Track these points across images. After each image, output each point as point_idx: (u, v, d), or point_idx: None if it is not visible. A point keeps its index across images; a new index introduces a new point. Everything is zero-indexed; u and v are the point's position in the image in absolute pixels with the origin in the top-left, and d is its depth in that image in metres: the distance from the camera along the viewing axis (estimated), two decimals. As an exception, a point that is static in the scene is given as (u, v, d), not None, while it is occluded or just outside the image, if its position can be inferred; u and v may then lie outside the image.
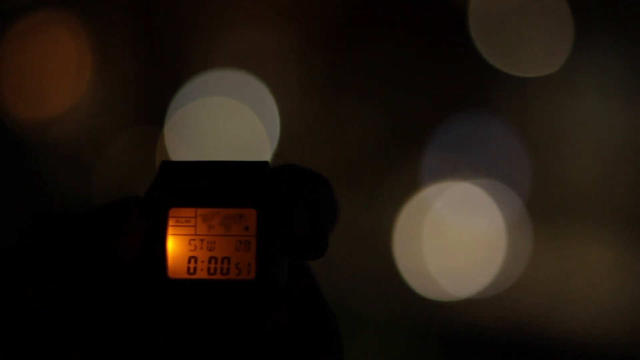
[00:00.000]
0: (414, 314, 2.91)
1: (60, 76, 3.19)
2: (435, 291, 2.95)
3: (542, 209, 3.03)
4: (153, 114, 3.18)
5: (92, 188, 3.09)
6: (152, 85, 3.25)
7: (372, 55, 3.17)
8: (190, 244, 0.50)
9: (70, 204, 2.81)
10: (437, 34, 3.15)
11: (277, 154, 3.07)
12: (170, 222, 0.50)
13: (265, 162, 0.52)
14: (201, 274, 0.50)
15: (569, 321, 2.85)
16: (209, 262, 0.50)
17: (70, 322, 0.47)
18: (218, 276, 0.50)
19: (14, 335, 0.47)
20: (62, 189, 3.07)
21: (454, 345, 2.85)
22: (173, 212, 0.50)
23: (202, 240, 0.50)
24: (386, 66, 3.15)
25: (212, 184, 0.51)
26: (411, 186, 3.09)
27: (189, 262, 0.50)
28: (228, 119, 3.18)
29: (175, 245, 0.50)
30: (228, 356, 0.48)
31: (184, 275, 0.50)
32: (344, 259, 2.92)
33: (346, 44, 3.22)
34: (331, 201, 0.53)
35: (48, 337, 0.47)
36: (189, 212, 0.51)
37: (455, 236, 3.04)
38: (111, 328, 0.48)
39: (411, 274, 2.99)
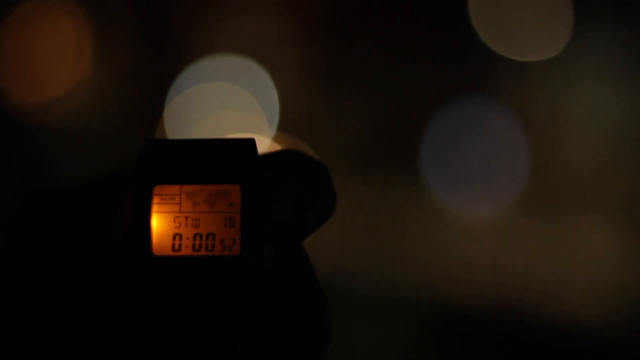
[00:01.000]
0: (413, 300, 2.92)
1: (59, 61, 3.19)
2: (435, 278, 2.95)
3: (541, 194, 3.03)
4: (152, 99, 3.18)
5: (91, 173, 3.08)
6: (151, 70, 3.25)
7: (371, 39, 3.17)
8: (175, 221, 0.50)
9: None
10: (436, 17, 3.15)
11: (277, 139, 3.07)
12: (155, 199, 0.50)
13: (252, 139, 0.52)
14: (186, 251, 0.50)
15: (568, 309, 2.85)
16: (194, 238, 0.50)
17: (58, 300, 0.47)
18: (203, 252, 0.50)
19: (4, 310, 0.47)
20: (61, 174, 3.08)
21: (452, 332, 2.85)
22: (157, 189, 0.50)
23: (186, 217, 0.50)
24: (385, 51, 3.15)
25: (197, 161, 0.51)
26: (410, 172, 3.09)
27: (174, 239, 0.50)
28: (228, 104, 3.18)
29: (159, 223, 0.50)
30: (213, 332, 0.49)
31: (169, 252, 0.50)
32: (342, 244, 2.92)
33: (345, 29, 3.21)
34: (327, 189, 0.53)
35: (37, 314, 0.47)
36: (173, 189, 0.51)
37: (454, 222, 3.04)
38: (98, 306, 0.48)
39: (411, 262, 3.00)
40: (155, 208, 0.49)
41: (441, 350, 2.81)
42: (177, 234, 0.49)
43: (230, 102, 3.18)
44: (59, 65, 3.19)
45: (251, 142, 0.51)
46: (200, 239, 0.49)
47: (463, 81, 3.09)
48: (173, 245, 0.49)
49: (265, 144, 3.00)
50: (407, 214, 3.07)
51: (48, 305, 0.46)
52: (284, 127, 3.13)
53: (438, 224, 3.04)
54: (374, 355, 2.72)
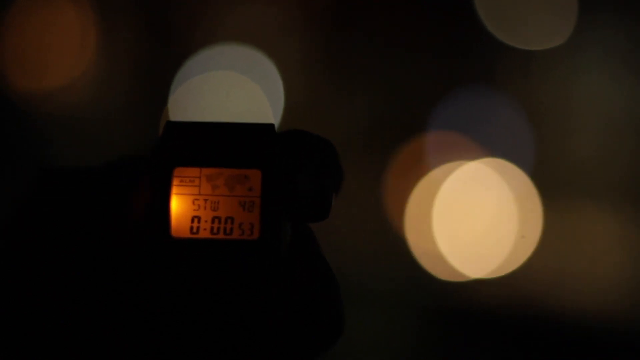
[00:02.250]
0: (420, 290, 2.92)
1: (63, 49, 3.19)
2: (441, 267, 2.95)
3: (547, 183, 3.03)
4: (157, 87, 3.18)
5: (95, 161, 3.08)
6: (155, 59, 3.25)
7: (375, 29, 3.16)
8: (194, 203, 0.50)
9: (72, 176, 2.80)
10: (441, 7, 3.15)
11: (281, 127, 3.07)
12: (175, 181, 0.50)
13: (271, 125, 0.52)
14: (204, 234, 0.50)
15: (574, 297, 2.85)
16: (212, 222, 0.50)
17: (76, 282, 0.47)
18: (221, 236, 0.50)
19: (16, 292, 0.47)
20: (65, 162, 3.08)
21: (459, 322, 2.86)
22: (177, 171, 0.50)
23: (205, 200, 0.50)
24: (389, 41, 3.15)
25: (217, 145, 0.51)
26: (414, 161, 3.09)
27: (192, 221, 0.50)
28: (232, 92, 3.18)
29: (179, 205, 0.50)
30: (229, 315, 0.49)
31: (187, 234, 0.50)
32: (343, 236, 2.92)
33: (349, 18, 3.21)
34: (336, 165, 0.53)
35: (52, 297, 0.47)
36: (193, 171, 0.51)
37: (459, 210, 3.04)
38: (115, 286, 0.48)
39: (416, 250, 3.00)
40: (174, 190, 0.49)
41: (444, 343, 2.82)
42: (196, 217, 0.49)
43: (235, 91, 3.18)
44: (62, 54, 3.19)
45: (271, 127, 0.51)
46: (219, 222, 0.49)
47: (468, 71, 3.09)
48: (191, 228, 0.49)
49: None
50: (411, 203, 3.07)
51: (65, 284, 0.46)
52: (288, 115, 3.13)
53: (442, 213, 3.04)
54: (376, 348, 2.72)
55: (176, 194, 0.49)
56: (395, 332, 2.81)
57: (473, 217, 3.03)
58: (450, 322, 2.86)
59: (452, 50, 3.11)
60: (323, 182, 0.50)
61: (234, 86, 3.18)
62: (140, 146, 3.10)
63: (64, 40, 3.18)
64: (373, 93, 3.16)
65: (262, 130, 0.51)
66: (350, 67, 3.19)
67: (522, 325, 2.81)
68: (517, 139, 3.03)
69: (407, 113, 3.13)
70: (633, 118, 2.99)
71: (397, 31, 3.14)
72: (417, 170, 3.08)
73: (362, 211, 3.00)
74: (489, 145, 3.04)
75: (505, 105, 3.06)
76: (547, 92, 3.05)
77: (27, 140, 3.10)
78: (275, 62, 3.16)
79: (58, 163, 3.07)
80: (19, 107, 3.12)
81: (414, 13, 3.15)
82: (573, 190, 3.00)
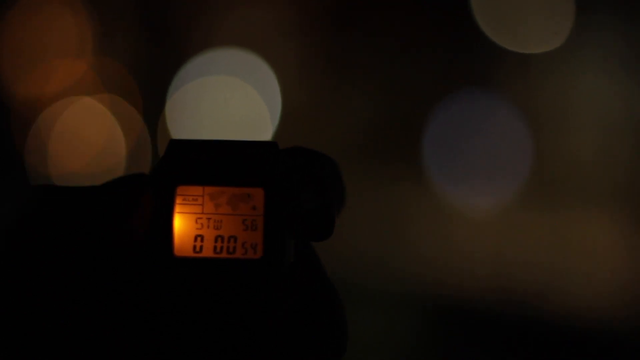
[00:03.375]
0: (416, 292, 2.92)
1: (61, 54, 3.18)
2: (438, 270, 2.95)
3: (544, 186, 3.03)
4: (154, 92, 3.18)
5: (92, 165, 3.09)
6: (153, 63, 3.24)
7: (372, 33, 3.16)
8: (197, 222, 0.50)
9: (68, 180, 2.81)
10: (438, 10, 3.15)
11: (278, 131, 3.07)
12: (178, 200, 0.50)
13: (274, 143, 0.52)
14: (207, 253, 0.50)
15: (569, 300, 2.86)
16: (215, 240, 0.50)
17: (76, 299, 0.47)
18: (224, 255, 0.49)
19: (18, 306, 0.47)
20: (62, 166, 3.08)
21: (455, 323, 2.86)
22: (180, 190, 0.50)
23: (208, 218, 0.50)
24: (386, 44, 3.15)
25: (220, 163, 0.51)
26: (413, 165, 3.09)
27: (195, 240, 0.50)
28: (229, 96, 3.18)
29: (181, 224, 0.50)
30: (232, 334, 0.49)
31: (190, 253, 0.50)
32: (345, 237, 2.93)
33: (347, 21, 3.21)
34: (339, 183, 0.53)
35: (53, 313, 0.47)
36: (196, 190, 0.50)
37: (457, 215, 3.04)
38: (116, 305, 0.48)
39: (414, 254, 3.00)
40: (177, 208, 0.49)
41: (444, 340, 2.82)
42: (199, 235, 0.49)
43: (233, 96, 3.18)
44: (60, 58, 3.19)
45: (274, 146, 0.51)
46: (222, 241, 0.49)
47: (465, 74, 3.09)
48: (194, 247, 0.49)
49: (267, 136, 3.00)
50: (410, 206, 3.07)
51: (59, 305, 0.46)
52: (286, 119, 3.13)
53: (441, 217, 3.04)
54: (377, 345, 2.72)
55: (179, 212, 0.49)
56: (394, 330, 2.81)
57: (472, 219, 3.03)
58: (449, 322, 2.87)
59: (450, 53, 3.11)
60: (326, 200, 0.50)
61: (231, 90, 3.18)
62: (137, 151, 3.10)
63: (61, 44, 3.18)
64: (371, 96, 3.16)
65: (264, 148, 0.51)
66: (348, 71, 3.19)
67: (520, 324, 2.82)
68: (515, 141, 3.04)
69: (405, 116, 3.13)
70: (631, 119, 2.99)
71: (395, 35, 3.14)
72: (414, 172, 3.09)
73: (361, 214, 3.00)
74: (486, 147, 3.04)
75: (504, 108, 3.06)
76: (545, 94, 3.05)
77: (25, 144, 3.10)
78: (272, 66, 3.16)
79: (55, 167, 3.08)
80: (15, 112, 3.12)
81: (412, 17, 3.15)
82: (570, 192, 3.00)
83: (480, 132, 3.06)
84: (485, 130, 3.06)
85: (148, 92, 3.20)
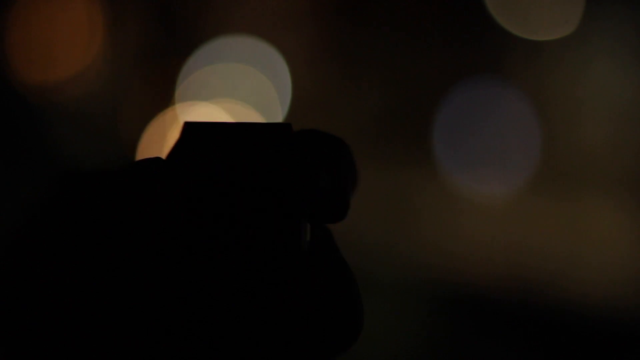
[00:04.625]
0: (425, 279, 2.92)
1: (71, 40, 3.19)
2: (447, 258, 2.96)
3: (554, 173, 3.02)
4: (165, 78, 3.18)
5: (103, 151, 3.09)
6: (163, 50, 3.25)
7: (384, 20, 3.16)
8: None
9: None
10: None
11: (288, 119, 3.07)
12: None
13: (288, 124, 0.52)
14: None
15: (580, 288, 2.85)
16: None
17: (99, 283, 0.48)
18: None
19: (46, 285, 0.47)
20: (72, 152, 3.08)
21: (464, 311, 2.86)
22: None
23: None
24: (397, 31, 3.14)
25: (235, 145, 0.51)
26: (423, 152, 3.09)
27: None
28: (240, 84, 3.18)
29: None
30: (248, 315, 0.49)
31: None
32: (354, 224, 2.93)
33: (357, 9, 3.21)
34: (352, 165, 0.53)
35: (61, 297, 0.48)
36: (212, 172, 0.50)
37: (467, 202, 3.04)
38: (138, 288, 0.48)
39: (423, 241, 3.00)
40: None
41: (453, 328, 2.82)
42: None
43: (243, 83, 3.18)
44: (71, 46, 3.19)
45: (288, 127, 0.51)
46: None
47: (475, 61, 3.09)
48: None
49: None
50: (420, 194, 3.07)
51: (71, 292, 0.47)
52: (296, 106, 3.13)
53: (451, 204, 3.04)
54: (386, 333, 2.73)
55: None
56: (403, 318, 2.81)
57: (482, 206, 3.03)
58: (458, 309, 2.87)
59: (461, 40, 3.11)
60: (341, 182, 0.50)
61: (241, 78, 3.18)
62: (148, 138, 3.10)
63: (72, 31, 3.18)
64: (380, 84, 3.15)
65: (279, 130, 0.51)
66: (358, 58, 3.19)
67: (531, 312, 2.82)
68: (525, 129, 3.03)
69: (415, 103, 3.13)
70: (641, 107, 2.99)
71: (405, 22, 3.14)
72: (424, 159, 3.08)
73: (371, 201, 3.00)
74: (497, 134, 3.04)
75: (514, 95, 3.06)
76: (555, 81, 3.04)
77: (36, 133, 3.10)
78: (283, 54, 3.16)
79: (66, 154, 3.08)
80: (26, 99, 3.12)
81: (423, 4, 3.15)
82: (581, 180, 3.00)
83: (490, 119, 3.06)
84: (495, 118, 3.06)
85: (158, 78, 3.20)
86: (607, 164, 2.98)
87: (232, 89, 3.18)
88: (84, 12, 3.18)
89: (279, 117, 3.10)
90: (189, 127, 0.52)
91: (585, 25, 2.98)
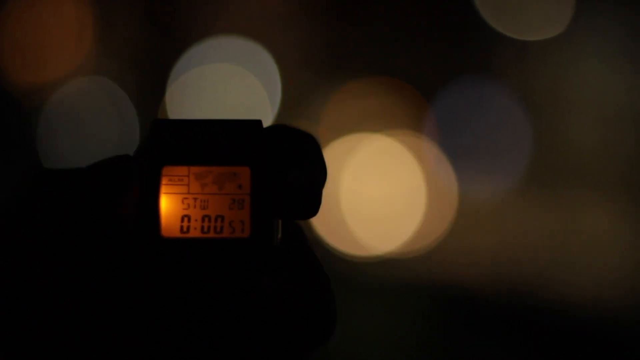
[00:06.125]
0: (417, 281, 2.92)
1: (61, 41, 3.18)
2: (438, 259, 2.96)
3: (543, 173, 3.03)
4: (155, 80, 3.17)
5: (92, 152, 3.09)
6: (154, 51, 3.24)
7: (373, 20, 3.16)
8: (183, 202, 0.50)
9: (61, 175, 2.79)
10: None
11: (279, 119, 3.07)
12: (163, 180, 0.50)
13: (258, 121, 0.52)
14: (194, 233, 0.49)
15: (570, 289, 2.86)
16: (202, 220, 0.50)
17: (67, 280, 0.47)
18: (211, 235, 0.49)
19: (14, 285, 0.47)
20: (61, 153, 3.08)
21: (456, 312, 2.86)
22: (166, 170, 0.50)
23: (195, 198, 0.50)
24: (386, 32, 3.14)
25: (205, 142, 0.50)
26: (412, 152, 3.09)
27: (182, 220, 0.50)
28: (230, 85, 3.18)
29: (168, 204, 0.50)
30: (221, 314, 0.49)
31: (177, 234, 0.49)
32: (345, 225, 2.92)
33: (347, 9, 3.21)
34: (321, 160, 0.52)
35: (45, 292, 0.47)
36: (181, 170, 0.50)
37: (457, 202, 3.04)
38: (105, 286, 0.48)
39: (415, 243, 3.00)
40: (163, 189, 0.49)
41: (445, 329, 2.82)
42: (186, 216, 0.49)
43: (233, 83, 3.18)
44: (61, 45, 3.19)
45: (258, 124, 0.51)
46: (209, 220, 0.49)
47: (465, 61, 3.09)
48: (181, 227, 0.49)
49: (268, 123, 2.99)
50: (412, 194, 3.07)
51: (57, 283, 0.47)
52: (286, 107, 3.13)
53: (441, 206, 3.04)
54: (378, 334, 2.73)
55: (165, 193, 0.49)
56: (394, 319, 2.81)
57: (472, 207, 3.04)
58: (450, 311, 2.87)
59: (449, 40, 3.11)
60: (312, 177, 0.50)
61: (231, 79, 3.18)
62: (137, 139, 3.10)
63: (62, 32, 3.18)
64: (371, 84, 3.16)
65: (249, 126, 0.51)
66: (348, 59, 3.19)
67: (521, 313, 2.82)
68: (515, 129, 3.03)
69: (405, 103, 3.13)
70: (631, 106, 2.99)
71: (395, 23, 3.14)
72: (418, 160, 3.09)
73: (367, 202, 3.00)
74: (486, 134, 3.04)
75: (503, 95, 3.06)
76: (544, 81, 3.05)
77: (24, 133, 3.10)
78: (273, 54, 3.16)
79: (54, 155, 3.08)
80: (15, 100, 3.12)
81: (411, 4, 3.15)
82: (570, 180, 3.00)
83: (479, 119, 3.06)
84: (484, 118, 3.06)
85: (148, 79, 3.20)
86: (597, 163, 2.98)
87: (223, 90, 3.18)
88: (73, 13, 3.18)
89: (268, 117, 3.10)
90: (157, 124, 0.51)
91: (575, 26, 2.98)
